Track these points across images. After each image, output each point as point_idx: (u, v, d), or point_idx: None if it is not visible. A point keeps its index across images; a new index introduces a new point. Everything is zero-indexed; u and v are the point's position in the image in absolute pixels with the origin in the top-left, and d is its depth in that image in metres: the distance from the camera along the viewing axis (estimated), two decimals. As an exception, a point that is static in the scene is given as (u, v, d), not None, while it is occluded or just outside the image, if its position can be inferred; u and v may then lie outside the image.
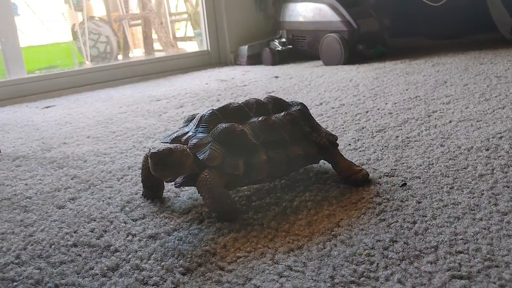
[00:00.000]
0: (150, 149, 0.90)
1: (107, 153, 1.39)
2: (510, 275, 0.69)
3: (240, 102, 1.04)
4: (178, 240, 0.85)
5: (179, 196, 1.05)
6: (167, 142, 0.99)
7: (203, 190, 0.90)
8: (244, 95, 2.07)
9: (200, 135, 0.96)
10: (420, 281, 0.69)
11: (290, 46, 3.04)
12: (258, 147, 0.96)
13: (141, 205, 1.02)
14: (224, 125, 0.96)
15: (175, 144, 0.92)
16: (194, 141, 0.95)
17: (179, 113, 1.83)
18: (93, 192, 1.10)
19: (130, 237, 0.88)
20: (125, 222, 0.94)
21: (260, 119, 1.00)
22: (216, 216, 0.93)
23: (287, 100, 1.12)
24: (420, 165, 1.11)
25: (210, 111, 1.00)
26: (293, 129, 1.02)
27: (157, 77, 2.84)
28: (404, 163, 1.14)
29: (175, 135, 1.00)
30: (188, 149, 0.93)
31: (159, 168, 0.88)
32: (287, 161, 0.99)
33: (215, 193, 0.90)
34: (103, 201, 1.05)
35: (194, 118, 1.02)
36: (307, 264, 0.75)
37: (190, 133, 0.98)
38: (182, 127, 1.03)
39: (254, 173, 0.95)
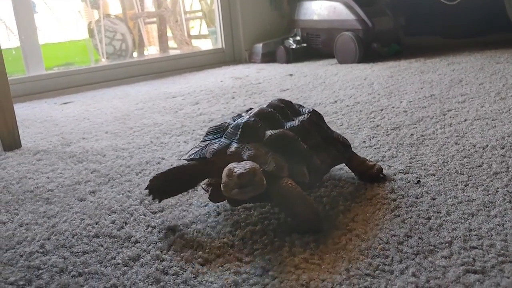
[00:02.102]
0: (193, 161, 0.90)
1: (126, 148, 1.42)
2: (524, 270, 0.70)
3: (265, 107, 0.98)
4: (196, 232, 0.88)
5: (196, 190, 1.07)
6: (203, 157, 0.89)
7: (291, 197, 0.82)
8: (258, 92, 2.09)
9: (252, 145, 0.88)
10: (434, 275, 0.71)
11: (305, 44, 3.06)
12: (311, 153, 0.93)
13: (160, 198, 1.04)
14: (275, 132, 0.90)
15: (248, 162, 0.80)
16: (249, 152, 0.86)
17: (195, 109, 1.86)
18: (112, 186, 1.13)
19: (150, 229, 0.90)
20: (144, 215, 0.96)
21: (297, 124, 0.95)
22: (301, 226, 0.85)
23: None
24: (435, 163, 1.12)
25: (252, 119, 0.92)
26: (320, 131, 1.00)
27: (172, 74, 2.87)
28: (418, 160, 1.15)
29: (216, 147, 0.89)
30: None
31: (249, 190, 0.76)
32: (329, 164, 0.99)
33: (306, 199, 0.83)
34: (122, 194, 1.08)
35: (225, 128, 0.93)
36: (323, 257, 0.77)
37: (236, 144, 0.89)
38: (215, 138, 0.93)
39: (313, 178, 0.91)
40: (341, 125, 1.49)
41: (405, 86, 1.96)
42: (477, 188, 0.98)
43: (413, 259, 0.75)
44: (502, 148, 1.18)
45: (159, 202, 0.95)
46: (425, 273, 0.71)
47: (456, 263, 0.73)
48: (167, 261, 0.79)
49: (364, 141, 1.32)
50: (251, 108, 1.02)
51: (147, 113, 1.86)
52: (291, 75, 2.49)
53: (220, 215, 0.94)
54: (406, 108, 1.62)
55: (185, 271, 0.76)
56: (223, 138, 0.91)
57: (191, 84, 2.46)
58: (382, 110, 1.62)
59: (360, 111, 1.64)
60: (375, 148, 1.26)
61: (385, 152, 1.22)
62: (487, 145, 1.21)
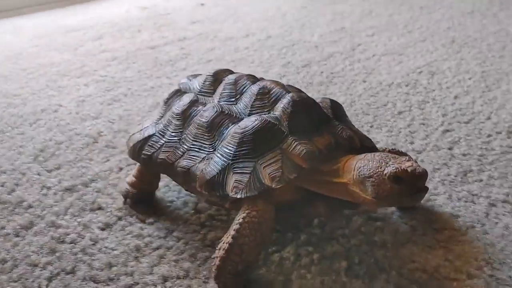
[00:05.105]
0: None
1: (18, 94, 1.29)
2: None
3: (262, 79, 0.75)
4: (96, 192, 0.82)
5: (97, 142, 0.99)
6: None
7: None
8: (167, 25, 1.97)
9: (336, 125, 0.68)
10: (338, 225, 0.72)
11: (216, -30, 2.89)
12: None
13: (56, 153, 0.96)
14: (329, 101, 0.73)
15: (384, 154, 0.61)
16: (347, 133, 0.67)
17: (97, 46, 1.72)
18: (2, 140, 1.03)
19: (44, 191, 0.83)
20: (39, 174, 0.89)
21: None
22: None
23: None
24: (343, 103, 1.12)
25: (301, 94, 0.70)
26: None
27: (72, 2, 2.62)
28: (327, 100, 1.14)
29: (306, 147, 0.63)
30: None
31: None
32: None
33: None
34: (14, 150, 0.98)
35: (274, 125, 0.65)
36: (230, 212, 0.75)
37: (317, 134, 0.65)
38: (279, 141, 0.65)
39: None
40: (252, 63, 1.44)
41: (317, 17, 1.93)
42: (381, 129, 1.00)
43: (318, 209, 0.75)
44: (407, 86, 1.21)
45: None
46: (330, 224, 0.72)
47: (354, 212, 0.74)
48: (64, 227, 0.73)
49: (274, 81, 1.29)
50: (195, 76, 0.81)
51: (43, 51, 1.69)
52: (202, 4, 2.37)
53: (122, 170, 0.89)
54: (317, 42, 1.60)
55: (83, 238, 0.71)
56: (292, 135, 0.64)
57: (93, 15, 2.26)
58: (293, 45, 1.59)
59: (272, 46, 1.59)
60: (286, 88, 1.23)
61: (295, 92, 1.20)
62: (392, 82, 1.23)
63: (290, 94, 0.68)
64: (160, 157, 0.71)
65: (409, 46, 1.49)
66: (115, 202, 0.79)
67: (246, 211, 0.61)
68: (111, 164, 0.91)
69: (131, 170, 0.88)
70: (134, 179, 0.78)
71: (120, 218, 0.75)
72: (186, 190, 0.76)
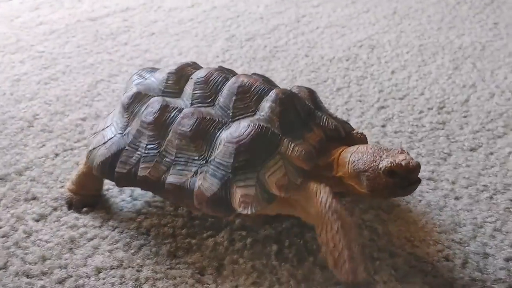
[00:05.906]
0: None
1: None
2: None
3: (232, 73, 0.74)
4: (30, 181, 0.81)
5: (32, 126, 0.97)
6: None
7: None
8: (110, -7, 1.90)
9: (318, 116, 0.67)
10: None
11: None
12: None
13: (-11, 139, 0.93)
14: (307, 89, 0.71)
15: (373, 146, 0.62)
16: (330, 124, 0.67)
17: (34, 17, 1.64)
18: None
19: (-24, 181, 0.81)
20: (-30, 163, 0.86)
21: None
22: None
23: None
24: (284, 79, 1.14)
25: (287, 90, 0.67)
26: None
27: (9, -34, 2.47)
28: (270, 76, 1.15)
29: (302, 148, 0.62)
30: None
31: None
32: None
33: None
34: None
35: (268, 130, 0.63)
36: (166, 199, 0.76)
37: (306, 129, 0.65)
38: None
39: None
40: (196, 36, 1.42)
41: (264, -15, 1.90)
42: (320, 107, 1.02)
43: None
44: (347, 60, 1.23)
45: None
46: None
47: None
48: (-4, 220, 0.73)
49: (217, 56, 1.28)
50: (149, 71, 0.76)
51: (-25, 23, 1.60)
52: (147, -31, 2.28)
53: (58, 156, 0.87)
54: (263, 13, 1.58)
55: (16, 231, 0.71)
56: (285, 136, 0.63)
57: (32, -19, 2.15)
58: (238, 16, 1.57)
59: (217, 17, 1.57)
60: (228, 64, 1.23)
61: (237, 68, 1.20)
62: (334, 57, 1.24)
63: (275, 91, 0.65)
64: (140, 174, 0.65)
65: (352, 18, 1.51)
66: (50, 191, 0.78)
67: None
68: (46, 150, 0.89)
69: (68, 157, 0.87)
70: (74, 187, 0.75)
71: (55, 209, 0.75)
72: (175, 204, 0.74)
